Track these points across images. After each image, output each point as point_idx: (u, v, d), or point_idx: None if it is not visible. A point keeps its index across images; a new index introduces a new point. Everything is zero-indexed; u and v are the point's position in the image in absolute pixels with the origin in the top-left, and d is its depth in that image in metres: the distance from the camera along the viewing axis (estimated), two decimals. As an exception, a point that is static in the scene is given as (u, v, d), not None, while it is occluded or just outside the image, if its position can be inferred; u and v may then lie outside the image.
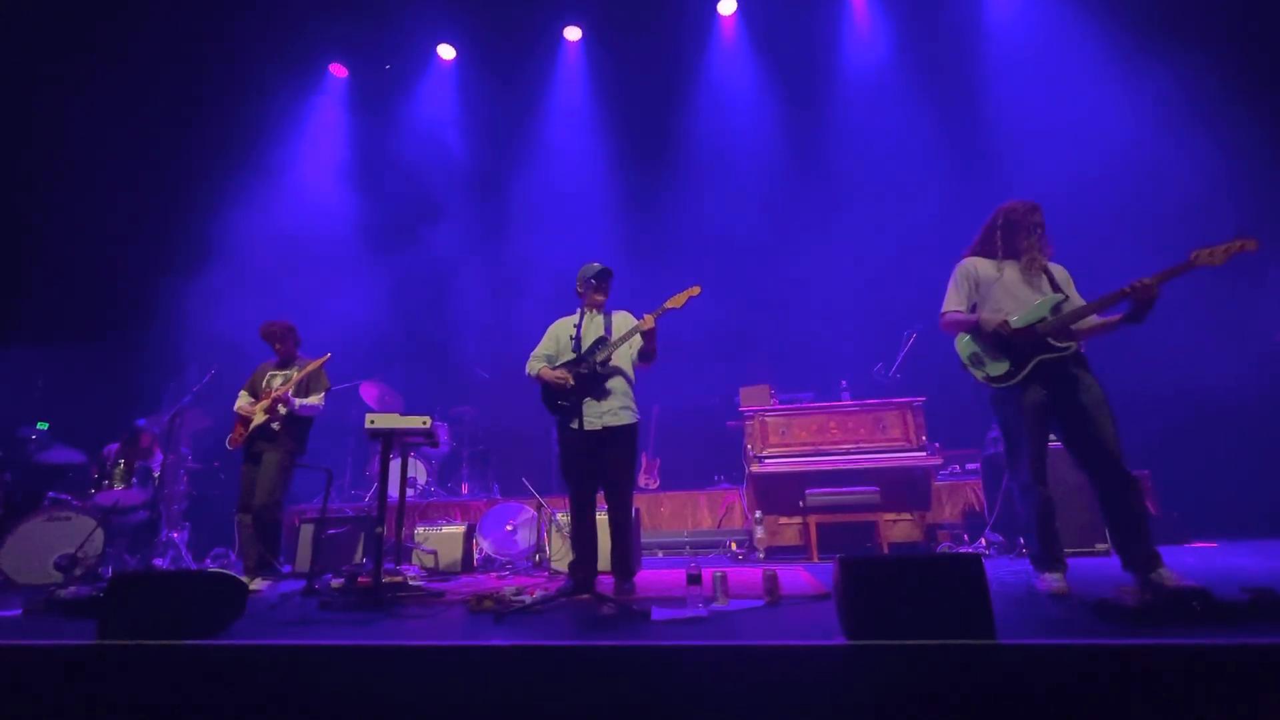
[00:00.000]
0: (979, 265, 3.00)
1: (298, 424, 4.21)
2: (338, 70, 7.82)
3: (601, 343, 3.43)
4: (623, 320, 3.60)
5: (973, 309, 2.98)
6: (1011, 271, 2.91)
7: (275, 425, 4.10)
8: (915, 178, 6.71)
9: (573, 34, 7.59)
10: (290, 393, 4.10)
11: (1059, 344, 2.72)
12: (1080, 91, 6.30)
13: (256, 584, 3.82)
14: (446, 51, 7.69)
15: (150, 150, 6.92)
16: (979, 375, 2.91)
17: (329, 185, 7.69)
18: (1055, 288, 2.86)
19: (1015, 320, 2.79)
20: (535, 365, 3.56)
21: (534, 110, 7.72)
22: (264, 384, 4.29)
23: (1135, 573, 2.61)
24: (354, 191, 7.77)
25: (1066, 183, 5.82)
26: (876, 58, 7.07)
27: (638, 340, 3.43)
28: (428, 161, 7.70)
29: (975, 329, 2.93)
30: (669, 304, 3.27)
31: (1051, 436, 2.85)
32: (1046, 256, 2.92)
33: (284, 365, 4.36)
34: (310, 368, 4.22)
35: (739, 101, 7.40)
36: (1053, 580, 2.69)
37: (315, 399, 4.22)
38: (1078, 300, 2.86)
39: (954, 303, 3.02)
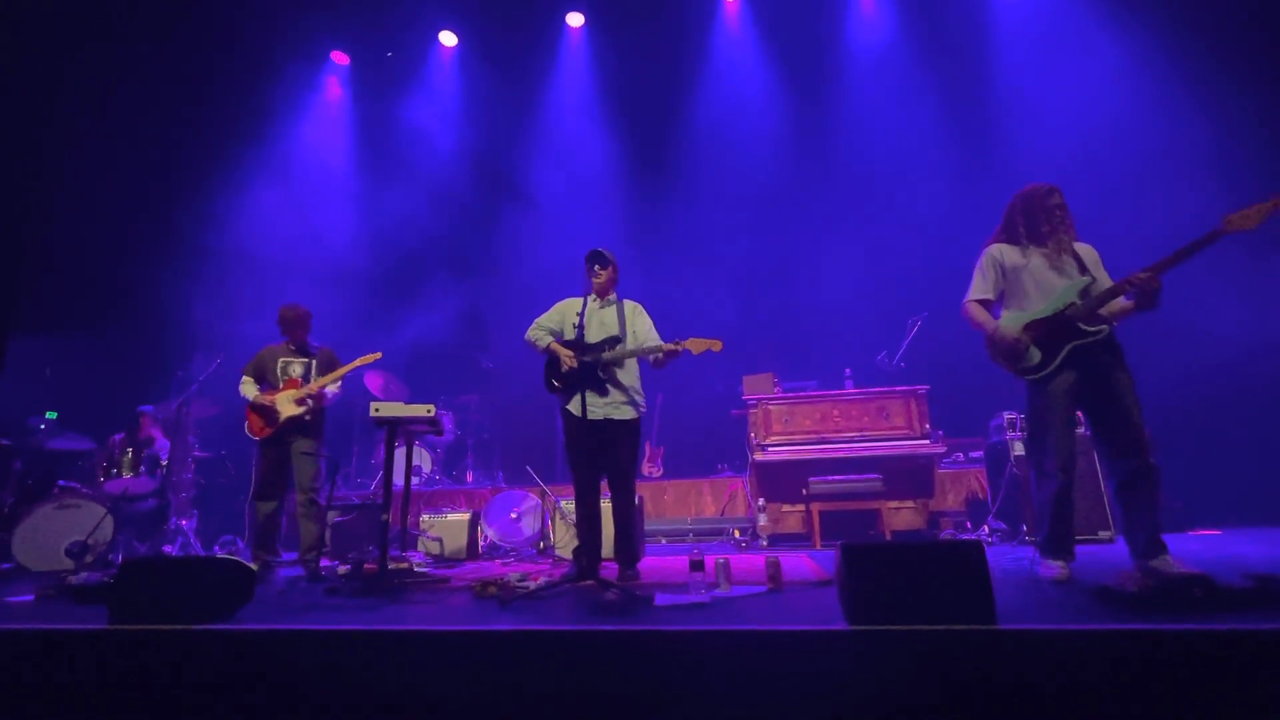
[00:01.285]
0: (1005, 251, 2.92)
1: (322, 414, 4.17)
2: (339, 58, 7.78)
3: (613, 342, 3.38)
4: (634, 314, 3.54)
5: (1000, 297, 2.94)
6: (1037, 258, 2.84)
7: (308, 416, 3.99)
8: (921, 165, 6.66)
9: (575, 20, 7.53)
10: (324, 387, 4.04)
11: (1090, 328, 2.67)
12: (1088, 69, 6.22)
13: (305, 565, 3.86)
14: (448, 38, 7.64)
15: (155, 139, 6.91)
16: (1012, 369, 2.86)
17: (332, 173, 7.68)
18: (1084, 270, 2.78)
19: (1042, 310, 2.76)
20: (543, 338, 3.51)
21: (537, 98, 7.67)
22: (278, 371, 4.11)
23: (1138, 558, 2.63)
24: (357, 178, 7.76)
25: (1075, 164, 5.78)
26: (881, 41, 6.99)
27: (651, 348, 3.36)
28: (430, 148, 7.67)
29: (991, 338, 2.87)
30: (688, 344, 3.19)
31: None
32: (1071, 238, 2.85)
33: (301, 353, 4.20)
34: (353, 365, 4.11)
35: (743, 87, 7.33)
36: (1056, 567, 2.70)
37: (336, 386, 4.16)
38: (1107, 281, 2.78)
39: (980, 290, 2.95)
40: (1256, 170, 5.27)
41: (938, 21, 6.86)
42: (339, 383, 4.17)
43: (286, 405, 3.98)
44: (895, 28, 6.96)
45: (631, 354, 3.36)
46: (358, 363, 4.11)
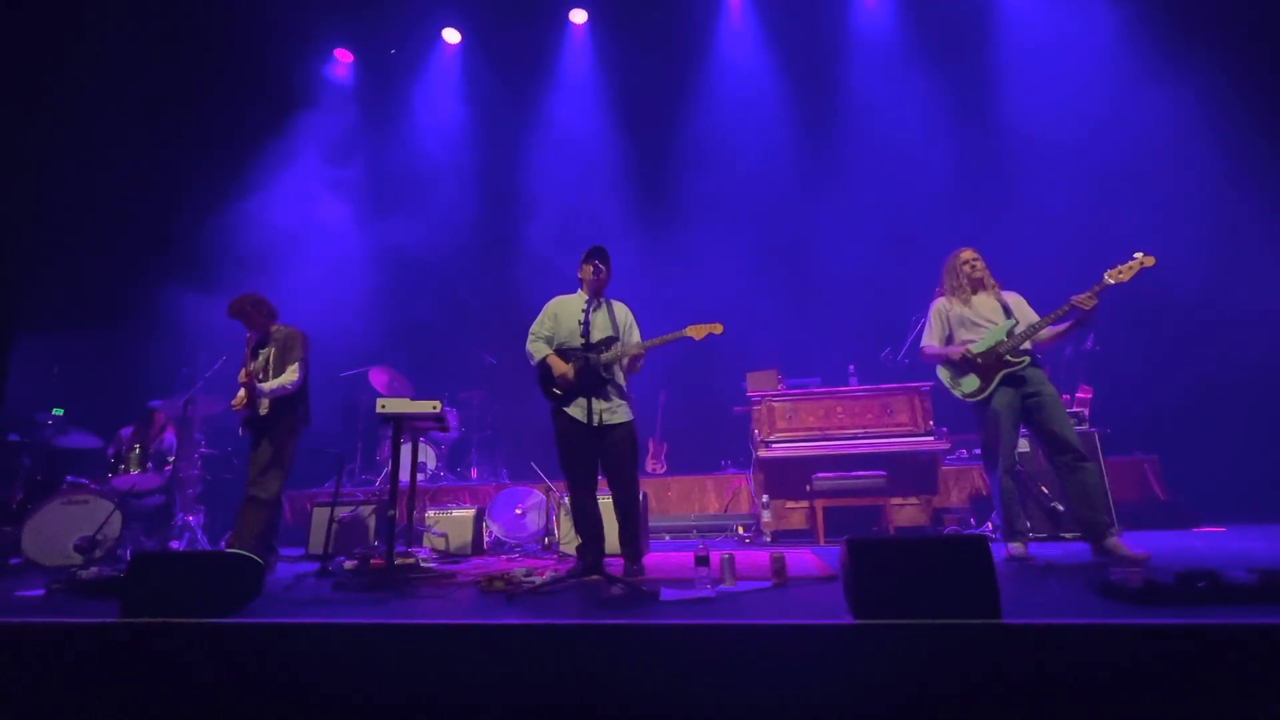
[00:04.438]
0: (949, 304, 3.61)
1: (286, 405, 3.86)
2: (343, 55, 7.79)
3: (610, 342, 3.38)
4: (623, 314, 3.55)
5: (948, 340, 3.61)
6: (969, 308, 3.53)
7: (263, 410, 3.77)
8: (924, 163, 6.64)
9: (579, 17, 7.52)
10: (259, 378, 3.81)
11: (1015, 359, 3.35)
12: (1088, 55, 6.23)
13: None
14: (451, 35, 7.65)
15: (159, 137, 6.93)
16: (957, 393, 3.52)
17: (335, 171, 7.69)
18: (1009, 314, 3.46)
19: (976, 346, 3.42)
20: (540, 350, 3.47)
21: (540, 95, 7.67)
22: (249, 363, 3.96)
23: (1090, 541, 3.14)
24: (360, 177, 7.77)
25: (1075, 160, 5.77)
26: (884, 32, 6.99)
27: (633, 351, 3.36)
28: (434, 146, 7.68)
29: (948, 360, 3.55)
30: (689, 331, 3.24)
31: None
32: (995, 288, 3.55)
33: (261, 343, 3.97)
34: (276, 346, 3.83)
35: (747, 82, 7.32)
36: (1015, 547, 3.31)
37: (289, 375, 3.84)
38: (1032, 318, 3.44)
39: (929, 338, 3.67)
40: (1254, 152, 5.27)
41: (941, 11, 6.85)
42: (294, 368, 3.84)
43: (237, 399, 3.79)
44: (896, 19, 6.97)
45: (628, 352, 3.35)
46: (276, 343, 3.86)
